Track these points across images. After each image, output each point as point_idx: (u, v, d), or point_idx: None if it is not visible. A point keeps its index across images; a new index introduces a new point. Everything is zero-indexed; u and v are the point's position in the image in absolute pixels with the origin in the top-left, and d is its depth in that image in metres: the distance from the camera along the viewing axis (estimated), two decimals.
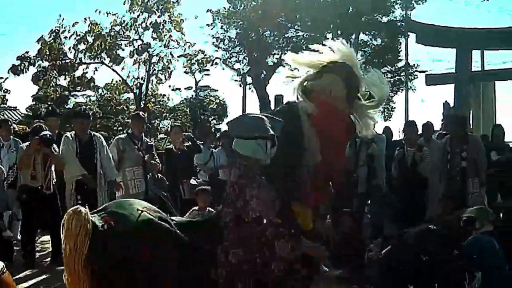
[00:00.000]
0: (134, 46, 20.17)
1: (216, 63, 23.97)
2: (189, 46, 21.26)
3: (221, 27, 25.65)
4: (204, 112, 32.57)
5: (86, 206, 3.20)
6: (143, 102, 21.91)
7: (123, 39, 20.10)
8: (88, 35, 19.55)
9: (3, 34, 56.35)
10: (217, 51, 25.74)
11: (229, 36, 25.56)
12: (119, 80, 23.94)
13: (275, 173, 3.65)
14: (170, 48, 20.64)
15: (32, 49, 19.93)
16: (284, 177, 3.73)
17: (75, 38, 19.53)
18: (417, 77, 25.56)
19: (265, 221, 3.33)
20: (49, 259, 7.60)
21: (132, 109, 25.77)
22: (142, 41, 20.10)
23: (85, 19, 19.47)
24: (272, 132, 3.51)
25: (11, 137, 8.92)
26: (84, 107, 9.15)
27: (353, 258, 6.97)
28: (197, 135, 12.92)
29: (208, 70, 25.45)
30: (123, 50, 20.31)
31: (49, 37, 19.40)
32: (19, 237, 7.93)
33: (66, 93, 24.73)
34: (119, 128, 26.99)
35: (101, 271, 3.12)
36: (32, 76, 20.55)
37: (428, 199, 8.15)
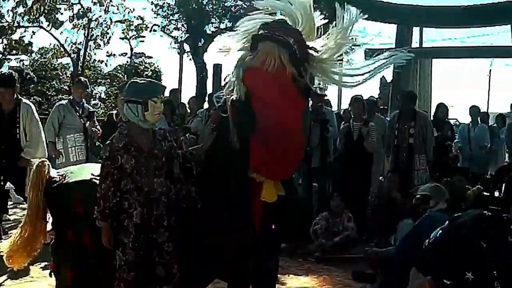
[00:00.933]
0: (73, 11, 19.55)
1: (155, 30, 23.53)
2: (128, 11, 20.80)
3: None
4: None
5: None
6: (81, 67, 21.31)
7: (62, 3, 19.43)
8: None
9: None
10: (155, 17, 25.35)
11: (168, 3, 25.03)
12: (56, 45, 23.13)
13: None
14: (109, 14, 20.17)
15: None
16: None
17: (14, 0, 18.86)
18: (354, 51, 25.64)
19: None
20: None
21: (68, 74, 25.14)
22: (82, 5, 19.45)
23: None
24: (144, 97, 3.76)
25: None
26: (10, 72, 8.23)
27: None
28: None
29: (144, 37, 25.02)
30: (62, 14, 19.77)
31: None
32: None
33: (0, 56, 23.68)
34: (53, 94, 26.22)
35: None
36: None
37: (372, 174, 8.21)
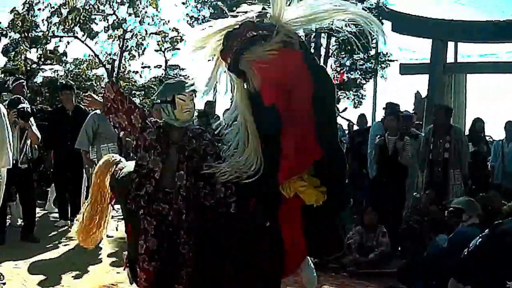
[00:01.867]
0: (108, 21, 19.84)
1: None
2: (163, 23, 21.01)
3: (195, 6, 25.31)
4: None
5: None
6: (115, 78, 21.58)
7: (97, 13, 19.68)
8: (63, 8, 19.12)
9: None
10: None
11: (203, 15, 25.20)
12: (91, 55, 23.47)
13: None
14: (144, 25, 20.39)
15: (4, 20, 19.57)
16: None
17: (49, 11, 19.14)
18: (389, 66, 25.49)
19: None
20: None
21: (103, 85, 25.40)
22: (117, 16, 19.72)
23: None
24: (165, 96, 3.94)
25: None
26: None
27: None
28: None
29: (179, 49, 25.21)
30: (97, 24, 19.98)
31: (23, 8, 18.97)
32: None
33: (35, 66, 24.13)
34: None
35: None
36: (2, 48, 20.10)
37: (408, 189, 8.18)
